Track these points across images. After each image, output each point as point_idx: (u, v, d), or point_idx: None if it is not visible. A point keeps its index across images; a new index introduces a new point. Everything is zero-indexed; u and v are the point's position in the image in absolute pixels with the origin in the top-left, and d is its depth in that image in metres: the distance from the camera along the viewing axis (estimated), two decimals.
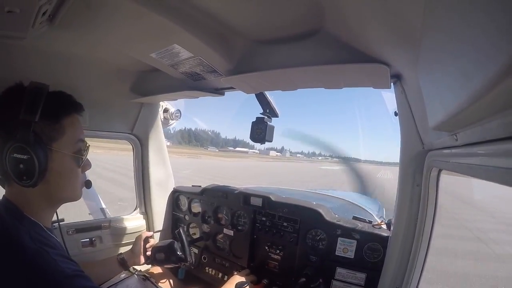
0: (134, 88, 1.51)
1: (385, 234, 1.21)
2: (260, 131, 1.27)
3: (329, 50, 0.80)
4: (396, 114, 0.98)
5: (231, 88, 1.23)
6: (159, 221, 1.93)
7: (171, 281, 1.67)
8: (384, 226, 1.29)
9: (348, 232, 1.29)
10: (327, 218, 1.36)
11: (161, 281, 1.62)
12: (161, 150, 1.91)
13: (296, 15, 0.75)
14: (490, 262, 5.22)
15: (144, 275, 1.54)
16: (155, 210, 1.89)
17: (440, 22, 0.39)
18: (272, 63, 0.92)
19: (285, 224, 1.48)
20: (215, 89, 1.30)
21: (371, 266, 1.23)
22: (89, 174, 1.02)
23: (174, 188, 1.99)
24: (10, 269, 0.63)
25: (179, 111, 1.95)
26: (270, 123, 1.28)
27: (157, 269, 1.68)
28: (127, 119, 1.72)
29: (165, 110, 1.90)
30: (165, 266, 1.60)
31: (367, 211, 2.27)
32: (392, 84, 0.90)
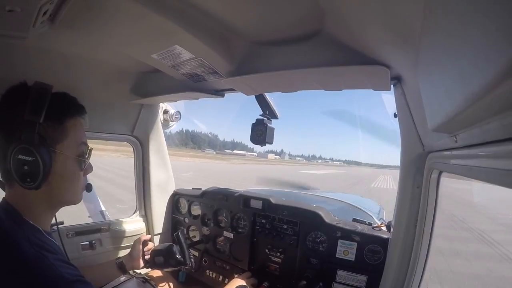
0: (134, 89, 1.51)
1: (385, 236, 1.21)
2: (261, 133, 1.27)
3: (329, 52, 0.80)
4: (395, 116, 0.99)
5: (231, 89, 1.24)
6: (159, 224, 1.92)
7: (171, 284, 1.66)
8: (384, 228, 1.28)
9: (348, 234, 1.29)
10: (327, 220, 1.36)
11: (161, 284, 1.61)
12: (162, 152, 1.91)
13: (297, 17, 0.75)
14: None
15: (144, 278, 1.53)
16: (155, 212, 1.89)
17: (440, 24, 0.39)
18: (272, 64, 0.92)
19: (285, 226, 1.48)
20: (216, 91, 1.30)
21: (372, 268, 1.23)
22: None
23: (174, 191, 1.98)
24: (9, 274, 0.62)
25: (179, 113, 1.94)
26: (270, 125, 1.28)
27: (157, 272, 1.67)
28: (127, 120, 1.72)
29: (165, 112, 1.90)
30: (164, 269, 1.59)
31: (367, 213, 2.27)
32: (392, 86, 0.90)
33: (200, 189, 1.89)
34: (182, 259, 1.43)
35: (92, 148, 0.88)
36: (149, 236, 1.53)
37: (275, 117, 1.31)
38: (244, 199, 1.59)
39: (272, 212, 1.51)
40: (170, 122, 1.94)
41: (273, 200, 1.51)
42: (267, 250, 1.54)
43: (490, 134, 0.42)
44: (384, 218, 2.28)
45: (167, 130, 1.98)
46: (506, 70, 0.22)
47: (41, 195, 0.74)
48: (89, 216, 2.30)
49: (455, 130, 0.54)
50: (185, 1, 0.73)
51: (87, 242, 1.60)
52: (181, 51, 0.93)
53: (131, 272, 1.48)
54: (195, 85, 1.24)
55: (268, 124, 1.27)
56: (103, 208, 2.35)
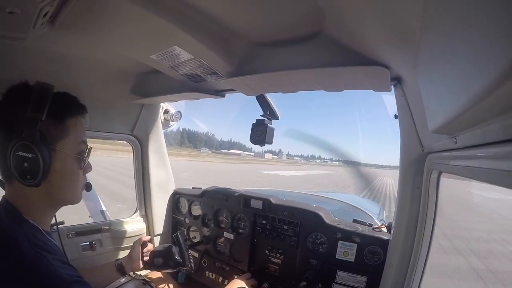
0: (134, 89, 1.51)
1: (386, 237, 1.21)
2: (260, 133, 1.27)
3: (329, 53, 0.80)
4: (396, 117, 0.98)
5: (232, 90, 1.24)
6: (159, 224, 1.92)
7: (170, 285, 1.66)
8: (384, 229, 1.28)
9: (348, 235, 1.29)
10: (327, 221, 1.36)
11: (160, 286, 1.61)
12: (161, 152, 1.91)
13: (296, 17, 0.75)
14: None
15: (144, 280, 1.54)
16: (155, 213, 1.89)
17: (439, 25, 0.39)
18: (272, 65, 0.92)
19: (285, 227, 1.48)
20: (216, 91, 1.30)
21: (371, 270, 1.23)
22: None
23: (174, 190, 1.98)
24: (7, 275, 0.62)
25: (179, 113, 1.94)
26: (270, 125, 1.28)
27: (156, 273, 1.67)
28: (127, 120, 1.72)
29: (166, 111, 1.90)
30: (163, 271, 1.59)
31: (368, 214, 2.27)
32: (392, 86, 0.90)
33: (200, 188, 1.89)
34: (181, 260, 1.43)
35: (91, 147, 0.88)
36: (148, 237, 1.53)
37: (276, 117, 1.31)
38: (244, 199, 1.59)
39: (272, 213, 1.51)
40: (170, 122, 1.94)
41: (273, 200, 1.51)
42: (267, 251, 1.54)
43: (491, 135, 0.41)
44: (385, 219, 2.27)
45: (168, 130, 1.98)
46: (506, 71, 0.22)
47: (41, 193, 0.74)
48: (89, 216, 2.30)
49: (455, 131, 0.54)
50: (184, 2, 0.73)
51: (87, 243, 1.60)
52: (180, 51, 0.93)
53: (130, 273, 1.48)
54: (195, 85, 1.24)
55: (268, 125, 1.27)
56: (103, 208, 2.35)
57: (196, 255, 1.81)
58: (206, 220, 1.80)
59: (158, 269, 1.47)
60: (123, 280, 1.44)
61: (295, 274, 1.42)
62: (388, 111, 1.05)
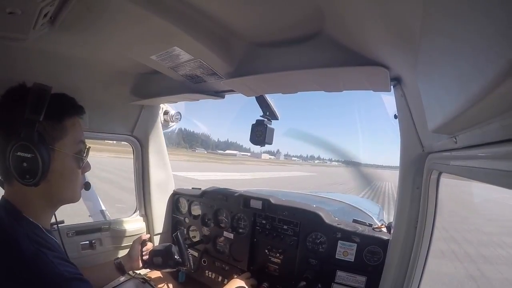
0: (134, 90, 1.52)
1: (385, 237, 1.21)
2: (260, 134, 1.27)
3: (329, 53, 0.80)
4: (396, 117, 0.99)
5: (231, 90, 1.24)
6: (159, 224, 1.93)
7: (170, 285, 1.66)
8: (384, 229, 1.28)
9: (348, 235, 1.29)
10: (327, 221, 1.36)
11: (160, 285, 1.61)
12: (161, 152, 1.91)
13: (296, 18, 0.75)
14: None
15: (144, 278, 1.54)
16: (155, 212, 1.89)
17: (439, 25, 0.39)
18: (272, 66, 0.92)
19: (285, 227, 1.48)
20: (215, 92, 1.30)
21: (371, 270, 1.23)
22: None
23: (174, 191, 1.99)
24: (8, 272, 0.63)
25: (179, 114, 1.95)
26: (270, 126, 1.28)
27: (156, 273, 1.67)
28: (127, 121, 1.72)
29: (165, 112, 1.91)
30: (163, 270, 1.59)
31: (367, 214, 2.27)
32: (392, 87, 0.90)
33: (200, 188, 1.89)
34: (180, 260, 1.43)
35: (90, 147, 0.89)
36: (148, 236, 1.53)
37: (275, 118, 1.31)
38: (244, 199, 1.59)
39: (272, 213, 1.51)
40: (170, 123, 1.95)
41: (273, 200, 1.51)
42: (266, 251, 1.54)
43: (490, 135, 0.42)
44: (385, 219, 2.28)
45: (168, 131, 1.98)
46: (505, 71, 0.23)
47: (40, 192, 0.75)
48: (89, 216, 2.30)
49: (455, 131, 0.54)
50: (184, 3, 0.73)
51: (87, 242, 1.60)
52: (180, 52, 0.93)
53: (130, 272, 1.48)
54: (195, 86, 1.24)
55: (268, 125, 1.27)
56: (103, 208, 2.35)
57: (196, 254, 1.81)
58: (206, 220, 1.80)
59: (158, 268, 1.47)
60: (122, 278, 1.44)
61: (295, 273, 1.42)
62: (387, 111, 1.05)
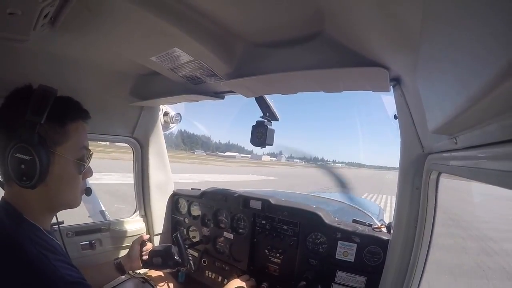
0: (134, 91, 1.52)
1: (385, 238, 1.21)
2: (261, 135, 1.27)
3: (328, 54, 0.81)
4: (395, 117, 0.99)
5: (231, 91, 1.24)
6: (159, 224, 1.93)
7: (170, 284, 1.66)
8: (384, 229, 1.28)
9: (348, 236, 1.29)
10: (327, 221, 1.36)
11: (160, 284, 1.61)
12: (161, 154, 1.91)
13: (296, 19, 0.75)
14: None
15: (143, 278, 1.54)
16: (154, 213, 1.89)
17: (438, 26, 0.39)
18: (271, 66, 0.92)
19: (285, 227, 1.48)
20: (215, 93, 1.30)
21: (371, 270, 1.23)
22: None
23: (173, 191, 1.99)
24: (9, 273, 0.63)
25: (179, 115, 1.95)
26: (270, 127, 1.28)
27: (156, 272, 1.67)
28: (127, 122, 1.72)
29: (165, 114, 1.91)
30: (162, 270, 1.59)
31: (367, 214, 2.27)
32: (391, 87, 0.91)
33: (199, 189, 1.89)
34: (180, 260, 1.43)
35: (93, 152, 0.88)
36: (147, 236, 1.53)
37: (276, 119, 1.31)
38: (244, 200, 1.59)
39: (272, 213, 1.51)
40: (170, 124, 1.95)
41: (272, 201, 1.51)
42: (266, 251, 1.54)
43: (490, 135, 0.42)
44: (384, 219, 2.28)
45: (167, 132, 1.98)
46: (504, 72, 0.23)
47: (39, 196, 0.75)
48: (89, 216, 2.30)
49: (455, 132, 0.54)
50: (184, 4, 0.73)
51: (87, 242, 1.60)
52: (180, 53, 0.93)
53: (130, 272, 1.48)
54: (195, 87, 1.24)
55: (268, 126, 1.27)
56: (103, 208, 2.35)
57: (196, 254, 1.81)
58: (206, 220, 1.80)
59: (157, 268, 1.47)
60: (122, 278, 1.44)
61: (295, 274, 1.42)
62: (387, 111, 1.05)
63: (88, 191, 0.91)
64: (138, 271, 1.55)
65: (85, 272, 0.80)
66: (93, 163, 0.89)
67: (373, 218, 2.16)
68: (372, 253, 1.23)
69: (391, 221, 1.16)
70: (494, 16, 0.23)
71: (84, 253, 1.58)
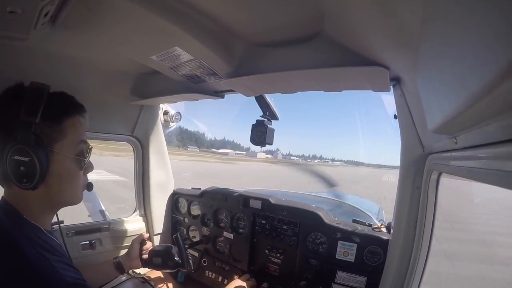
0: (134, 90, 1.52)
1: (385, 237, 1.21)
2: (261, 134, 1.27)
3: (328, 53, 0.80)
4: (395, 117, 0.99)
5: (231, 90, 1.24)
6: (158, 224, 1.93)
7: (170, 284, 1.66)
8: (384, 229, 1.28)
9: (348, 235, 1.29)
10: (327, 221, 1.36)
11: (160, 284, 1.61)
12: (162, 152, 1.91)
13: (296, 18, 0.75)
14: None
15: (143, 278, 1.54)
16: (154, 212, 1.89)
17: (439, 25, 0.39)
18: (272, 66, 0.92)
19: (284, 227, 1.48)
20: (215, 92, 1.30)
21: (371, 270, 1.23)
22: None
23: (173, 190, 1.99)
24: (8, 275, 0.62)
25: (179, 114, 1.95)
26: (270, 126, 1.28)
27: (156, 272, 1.67)
28: (127, 121, 1.72)
29: (165, 113, 1.91)
30: (162, 270, 1.59)
31: (367, 214, 2.26)
32: (391, 87, 0.90)
33: (200, 189, 1.89)
34: (180, 261, 1.43)
35: (92, 147, 0.86)
36: (147, 235, 1.53)
37: (275, 118, 1.32)
38: (244, 199, 1.59)
39: (271, 213, 1.51)
40: (170, 123, 1.95)
41: (272, 200, 1.51)
42: (267, 251, 1.54)
43: (490, 135, 0.42)
44: (384, 219, 2.28)
45: (168, 131, 1.98)
46: (504, 71, 0.23)
47: (39, 195, 0.73)
48: (89, 216, 2.30)
49: (455, 132, 0.54)
50: (185, 3, 0.73)
51: (87, 242, 1.60)
52: (181, 52, 0.93)
53: (130, 272, 1.48)
54: (195, 86, 1.24)
55: (268, 125, 1.27)
56: (103, 207, 2.35)
57: (196, 254, 1.81)
58: (206, 220, 1.80)
59: (157, 268, 1.47)
60: (122, 278, 1.44)
61: (295, 274, 1.42)
62: (387, 111, 1.05)
63: (89, 186, 0.89)
64: (138, 271, 1.55)
65: (85, 272, 0.79)
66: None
67: (373, 218, 2.16)
68: (372, 253, 1.23)
69: (391, 221, 1.16)
70: (494, 16, 0.23)
71: (84, 253, 1.58)
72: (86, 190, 0.88)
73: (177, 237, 1.48)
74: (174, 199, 1.97)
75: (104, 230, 1.69)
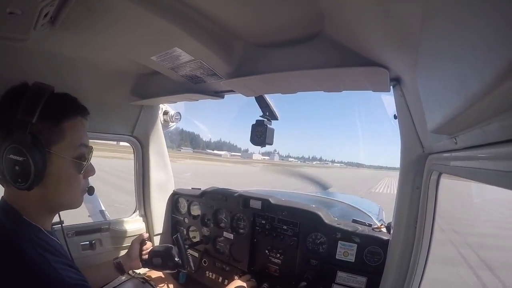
0: (134, 90, 1.52)
1: (385, 238, 1.21)
2: (261, 134, 1.27)
3: (328, 54, 0.80)
4: (395, 117, 0.99)
5: (231, 91, 1.24)
6: (159, 224, 1.93)
7: (170, 285, 1.66)
8: (384, 230, 1.28)
9: (348, 236, 1.29)
10: (327, 221, 1.36)
11: (160, 285, 1.61)
12: (162, 152, 1.91)
13: (296, 19, 0.75)
14: None
15: (144, 278, 1.54)
16: (154, 212, 1.89)
17: (438, 26, 0.39)
18: (272, 66, 0.92)
19: (284, 227, 1.48)
20: (215, 92, 1.30)
21: (371, 270, 1.23)
22: None
23: (174, 191, 1.99)
24: (8, 276, 0.62)
25: (179, 114, 1.95)
26: (270, 126, 1.28)
27: (156, 273, 1.67)
28: (127, 121, 1.73)
29: (165, 113, 1.91)
30: (162, 271, 1.59)
31: (367, 214, 2.26)
32: (391, 87, 0.91)
33: (200, 189, 1.89)
34: (180, 261, 1.43)
35: (93, 150, 0.84)
36: (147, 235, 1.53)
37: (275, 118, 1.32)
38: (244, 199, 1.59)
39: (271, 213, 1.51)
40: (170, 123, 1.95)
41: (272, 201, 1.51)
42: (267, 251, 1.54)
43: (490, 135, 0.42)
44: (384, 219, 2.27)
45: (168, 131, 1.98)
46: (504, 71, 0.23)
47: (37, 197, 0.73)
48: (89, 216, 2.30)
49: (455, 132, 0.54)
50: (185, 3, 0.73)
51: (87, 242, 1.60)
52: (181, 53, 0.93)
53: (130, 272, 1.48)
54: (195, 86, 1.24)
55: (268, 125, 1.27)
56: (103, 208, 2.35)
57: (196, 255, 1.81)
58: (206, 220, 1.80)
59: (157, 268, 1.47)
60: (122, 278, 1.44)
61: (295, 274, 1.42)
62: (387, 111, 1.05)
63: (90, 190, 0.87)
64: (138, 272, 1.55)
65: (85, 272, 0.79)
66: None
67: (373, 218, 2.16)
68: (372, 253, 1.23)
69: (391, 221, 1.15)
70: (494, 16, 0.23)
71: (84, 253, 1.58)
72: (87, 194, 0.87)
73: (177, 237, 1.48)
74: (174, 199, 1.97)
75: (104, 230, 1.69)
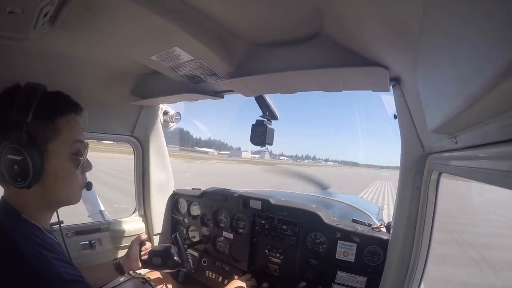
0: (134, 90, 1.52)
1: (385, 237, 1.21)
2: (261, 134, 1.27)
3: (328, 54, 0.80)
4: (395, 117, 0.99)
5: (231, 91, 1.24)
6: (158, 224, 1.93)
7: (170, 285, 1.66)
8: (383, 229, 1.28)
9: (347, 235, 1.29)
10: (326, 221, 1.36)
11: (160, 285, 1.61)
12: (162, 152, 1.91)
13: (296, 18, 0.75)
14: None
15: (143, 279, 1.54)
16: (154, 212, 1.89)
17: (438, 25, 0.39)
18: (271, 66, 0.92)
19: (284, 227, 1.48)
20: (215, 92, 1.30)
21: (371, 270, 1.23)
22: None
23: (174, 191, 1.99)
24: (7, 274, 0.62)
25: (179, 114, 1.95)
26: (270, 126, 1.28)
27: (156, 273, 1.67)
28: (127, 121, 1.73)
29: (165, 113, 1.91)
30: (162, 270, 1.59)
31: (366, 214, 2.26)
32: (391, 87, 0.91)
33: (200, 189, 1.89)
34: (179, 261, 1.43)
35: (89, 146, 0.85)
36: (145, 236, 1.53)
37: (275, 118, 1.32)
38: (244, 200, 1.59)
39: (271, 213, 1.51)
40: (170, 123, 1.95)
41: (272, 201, 1.51)
42: (266, 251, 1.54)
43: (490, 135, 0.42)
44: (383, 219, 2.28)
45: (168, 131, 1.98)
46: (504, 71, 0.23)
47: (36, 194, 0.74)
48: (88, 216, 2.29)
49: (455, 132, 0.54)
50: (185, 3, 0.73)
51: (87, 242, 1.60)
52: (181, 52, 0.93)
53: (130, 272, 1.48)
54: (194, 86, 1.24)
55: (268, 125, 1.27)
56: (102, 208, 2.34)
57: (196, 254, 1.81)
58: (205, 220, 1.80)
59: (156, 268, 1.47)
60: (122, 278, 1.44)
61: (295, 274, 1.42)
62: (387, 111, 1.05)
63: (89, 186, 0.89)
64: (138, 272, 1.55)
65: (85, 273, 0.79)
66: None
67: (372, 217, 2.16)
68: (372, 253, 1.23)
69: (391, 220, 1.16)
70: (494, 15, 0.23)
71: (84, 253, 1.58)
72: (85, 189, 0.88)
73: (176, 236, 1.48)
74: (174, 200, 1.97)
75: (103, 230, 1.69)
